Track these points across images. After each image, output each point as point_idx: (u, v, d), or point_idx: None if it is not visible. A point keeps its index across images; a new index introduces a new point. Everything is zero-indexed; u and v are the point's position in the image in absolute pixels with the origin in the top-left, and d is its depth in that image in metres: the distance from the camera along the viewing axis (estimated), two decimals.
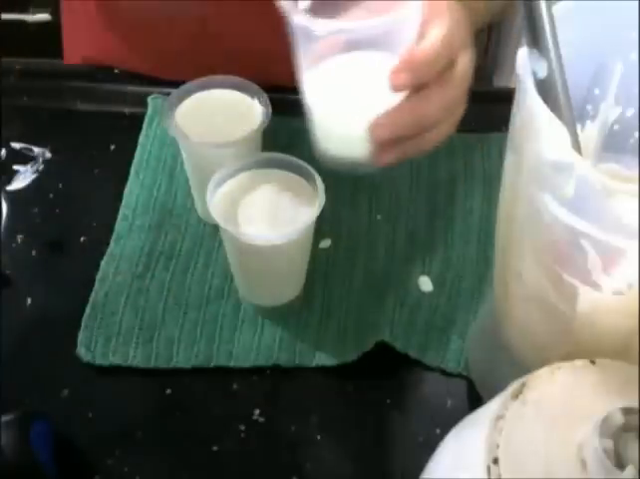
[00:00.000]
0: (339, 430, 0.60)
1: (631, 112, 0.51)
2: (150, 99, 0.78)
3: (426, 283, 0.66)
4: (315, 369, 0.62)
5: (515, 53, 0.44)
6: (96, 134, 0.77)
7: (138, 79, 0.81)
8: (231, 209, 0.59)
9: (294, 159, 0.61)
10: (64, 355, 0.62)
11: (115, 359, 0.62)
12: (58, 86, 0.81)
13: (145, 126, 0.76)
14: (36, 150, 0.75)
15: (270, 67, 0.71)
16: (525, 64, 0.43)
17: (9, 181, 0.73)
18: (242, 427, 0.59)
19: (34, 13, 1.41)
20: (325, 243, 0.68)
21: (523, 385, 0.42)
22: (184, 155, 0.67)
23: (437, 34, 0.51)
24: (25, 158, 0.75)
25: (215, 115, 0.65)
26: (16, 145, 0.75)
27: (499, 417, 0.40)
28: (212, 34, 0.78)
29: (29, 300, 0.66)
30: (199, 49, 0.79)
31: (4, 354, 0.62)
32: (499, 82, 1.11)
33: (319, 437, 0.59)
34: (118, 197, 0.71)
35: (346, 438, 0.59)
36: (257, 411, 0.60)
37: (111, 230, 0.69)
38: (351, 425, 0.60)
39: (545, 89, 0.43)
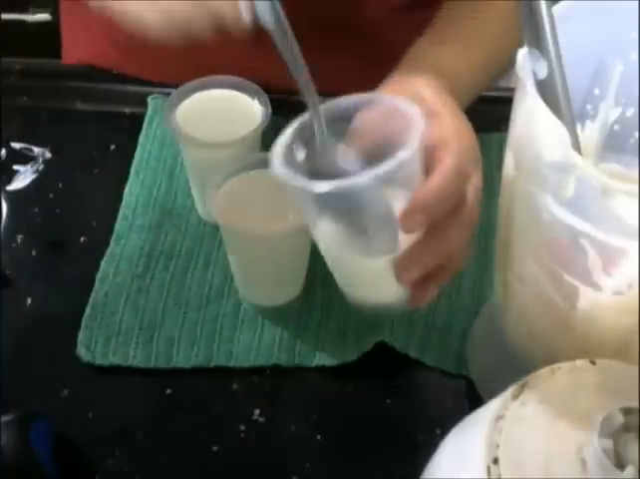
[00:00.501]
0: (339, 430, 0.60)
1: (631, 112, 0.51)
2: (150, 99, 0.78)
3: None
4: (315, 369, 0.62)
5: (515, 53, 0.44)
6: (96, 134, 0.77)
7: (138, 79, 0.81)
8: (231, 208, 0.59)
9: None
10: (64, 355, 0.62)
11: (115, 359, 0.62)
12: (58, 86, 0.81)
13: (145, 126, 0.76)
14: (36, 150, 0.75)
15: (270, 68, 0.71)
16: (525, 64, 0.43)
17: (9, 181, 0.73)
18: (242, 427, 0.59)
19: (34, 13, 1.41)
20: None
21: (523, 385, 0.42)
22: (184, 155, 0.67)
23: (447, 167, 0.48)
24: (25, 158, 0.75)
25: (215, 115, 0.65)
26: (16, 145, 0.75)
27: (499, 417, 0.40)
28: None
29: (29, 300, 0.66)
30: (200, 49, 0.79)
31: (4, 354, 0.62)
32: (499, 82, 1.11)
33: (319, 437, 0.59)
34: (118, 197, 0.71)
35: (346, 438, 0.59)
36: (257, 411, 0.60)
37: (111, 230, 0.69)
38: (351, 425, 0.60)
39: (545, 89, 0.43)
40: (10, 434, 0.53)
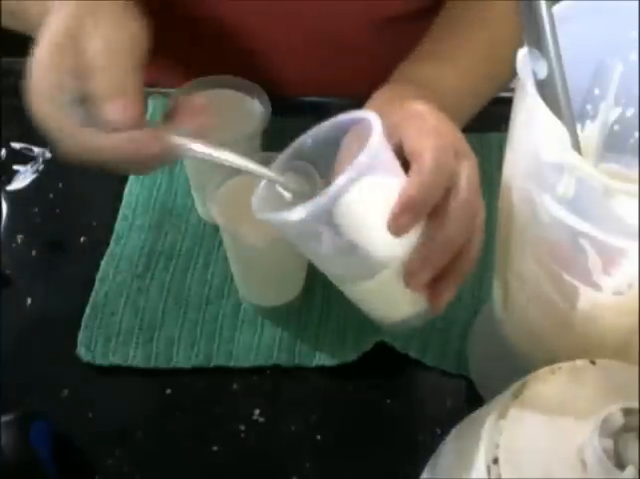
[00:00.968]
0: (339, 430, 0.60)
1: (631, 112, 0.51)
2: (150, 99, 0.78)
3: None
4: (315, 369, 0.62)
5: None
6: None
7: None
8: (231, 209, 0.59)
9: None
10: (64, 355, 0.62)
11: (115, 359, 0.62)
12: None
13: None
14: (36, 150, 0.75)
15: (271, 68, 0.71)
16: (525, 64, 0.43)
17: (9, 181, 0.73)
18: (242, 427, 0.59)
19: None
20: None
21: (524, 385, 0.42)
22: None
23: (425, 163, 0.47)
24: (25, 158, 0.75)
25: (215, 115, 0.65)
26: (16, 145, 0.75)
27: (499, 417, 0.40)
28: (212, 35, 0.78)
29: (29, 300, 0.66)
30: (199, 49, 0.79)
31: (4, 354, 0.62)
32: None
33: (319, 437, 0.59)
34: (118, 197, 0.71)
35: (346, 438, 0.59)
36: (257, 411, 0.60)
37: (111, 230, 0.69)
38: (351, 425, 0.60)
39: (545, 89, 0.43)
40: (10, 434, 0.53)
